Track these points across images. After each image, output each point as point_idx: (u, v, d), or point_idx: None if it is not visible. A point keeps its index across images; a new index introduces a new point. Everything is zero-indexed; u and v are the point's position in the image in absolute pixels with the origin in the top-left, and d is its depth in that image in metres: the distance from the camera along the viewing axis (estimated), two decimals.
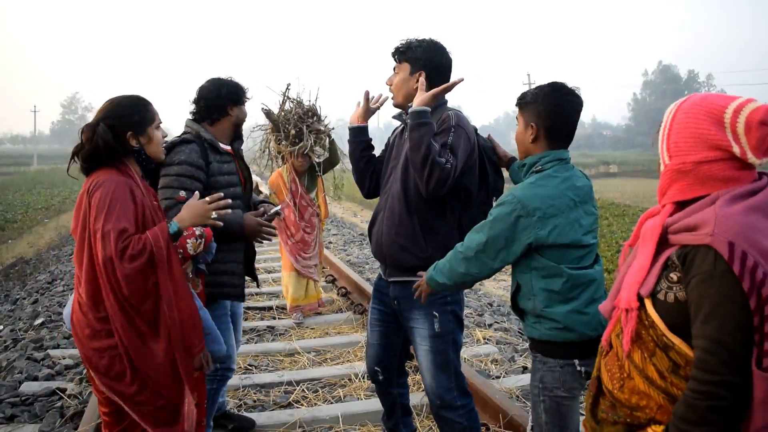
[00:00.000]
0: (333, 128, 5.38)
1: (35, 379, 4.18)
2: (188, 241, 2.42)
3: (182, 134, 2.98)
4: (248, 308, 6.03)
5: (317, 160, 5.32)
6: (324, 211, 5.78)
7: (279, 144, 5.24)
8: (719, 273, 1.32)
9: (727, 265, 1.31)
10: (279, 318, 5.79)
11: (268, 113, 5.15)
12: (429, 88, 2.54)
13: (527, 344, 4.83)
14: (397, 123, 2.85)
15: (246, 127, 3.38)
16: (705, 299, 1.34)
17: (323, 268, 6.65)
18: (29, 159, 60.25)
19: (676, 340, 1.42)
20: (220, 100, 3.00)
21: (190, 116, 3.06)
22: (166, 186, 2.78)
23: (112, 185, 2.22)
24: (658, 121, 1.61)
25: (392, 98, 2.74)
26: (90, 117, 2.40)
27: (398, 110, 2.78)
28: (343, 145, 3.95)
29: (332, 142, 5.34)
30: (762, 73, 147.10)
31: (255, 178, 4.49)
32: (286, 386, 4.08)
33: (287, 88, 5.22)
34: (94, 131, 2.26)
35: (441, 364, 2.61)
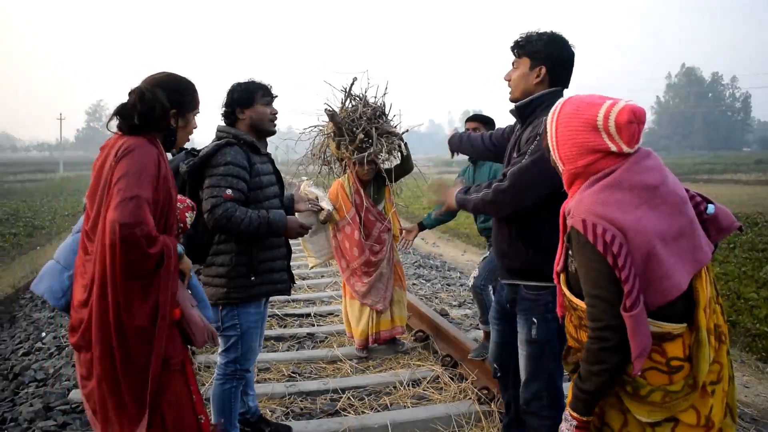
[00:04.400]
0: (406, 130, 4.63)
1: None
2: (187, 214, 2.49)
3: (219, 138, 3.03)
4: (287, 315, 6.07)
5: (386, 167, 4.60)
6: (397, 227, 4.86)
7: (339, 149, 4.46)
8: (582, 244, 1.70)
9: (584, 237, 1.68)
10: (318, 325, 5.80)
11: (332, 115, 4.36)
12: (551, 81, 2.53)
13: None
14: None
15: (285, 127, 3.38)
16: (581, 267, 1.74)
17: (409, 316, 5.36)
18: (55, 166, 61.13)
19: (578, 302, 1.80)
20: (229, 106, 3.12)
21: (222, 121, 3.15)
22: (213, 185, 2.88)
23: (144, 152, 2.08)
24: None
25: (510, 92, 2.64)
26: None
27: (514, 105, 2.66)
28: (415, 149, 3.75)
29: (405, 146, 4.59)
30: None
31: (314, 190, 4.33)
32: (332, 394, 4.07)
33: (351, 83, 4.48)
34: (154, 94, 2.14)
35: (533, 371, 2.58)
